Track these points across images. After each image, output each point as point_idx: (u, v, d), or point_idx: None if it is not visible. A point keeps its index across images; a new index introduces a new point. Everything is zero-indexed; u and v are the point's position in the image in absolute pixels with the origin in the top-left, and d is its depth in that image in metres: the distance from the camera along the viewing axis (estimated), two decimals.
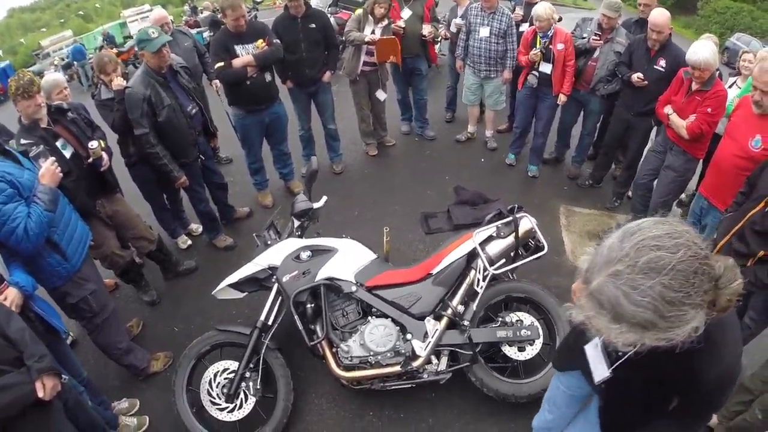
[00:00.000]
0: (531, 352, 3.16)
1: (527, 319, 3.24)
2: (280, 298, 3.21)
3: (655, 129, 4.62)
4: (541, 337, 3.19)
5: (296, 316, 3.04)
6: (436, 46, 7.21)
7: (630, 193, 4.98)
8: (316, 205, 3.49)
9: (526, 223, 3.22)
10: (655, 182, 4.32)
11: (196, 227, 4.95)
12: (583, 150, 5.46)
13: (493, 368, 3.19)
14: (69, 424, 2.42)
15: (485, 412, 3.29)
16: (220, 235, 4.76)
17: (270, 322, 3.20)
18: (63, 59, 20.24)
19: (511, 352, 3.15)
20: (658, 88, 4.08)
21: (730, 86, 4.29)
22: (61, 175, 2.90)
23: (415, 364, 3.01)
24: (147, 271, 4.40)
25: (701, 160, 4.17)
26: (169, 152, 3.92)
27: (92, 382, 3.19)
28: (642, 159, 4.60)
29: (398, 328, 3.08)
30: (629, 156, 4.80)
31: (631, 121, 4.59)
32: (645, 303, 1.11)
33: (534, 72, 4.95)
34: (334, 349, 3.09)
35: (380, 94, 5.58)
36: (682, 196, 5.04)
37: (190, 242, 4.80)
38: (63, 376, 2.37)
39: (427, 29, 5.46)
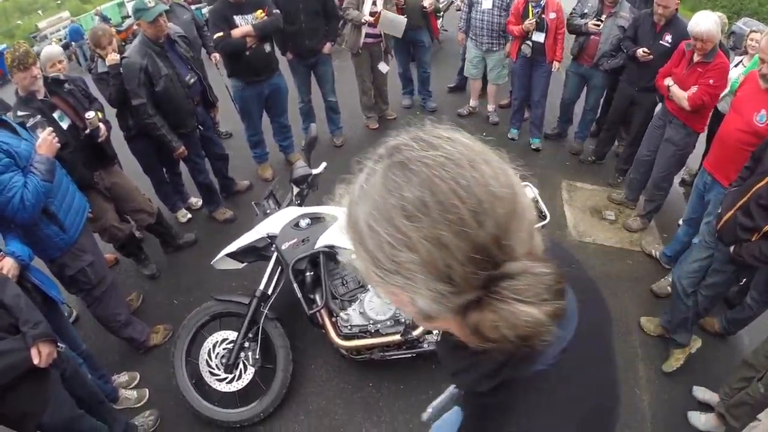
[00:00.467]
0: None
1: None
2: (279, 267, 3.16)
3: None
4: None
5: (295, 285, 3.00)
6: (439, 21, 7.07)
7: (631, 173, 4.90)
8: (315, 171, 3.42)
9: (528, 192, 3.15)
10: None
11: (196, 201, 4.91)
12: (585, 126, 5.38)
13: None
14: (66, 394, 2.40)
15: None
16: (220, 207, 4.72)
17: (269, 292, 3.15)
18: (60, 40, 20.09)
19: None
20: (664, 64, 3.98)
21: (735, 65, 4.17)
22: (58, 145, 2.86)
23: (416, 333, 2.97)
24: (147, 245, 4.40)
25: (703, 135, 4.08)
26: (167, 122, 3.87)
27: (92, 356, 3.16)
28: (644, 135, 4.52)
29: None
30: (632, 132, 4.71)
31: (635, 97, 4.51)
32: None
33: (527, 42, 4.88)
34: (333, 319, 3.05)
35: (383, 67, 5.47)
36: (685, 175, 4.98)
37: (189, 216, 4.77)
38: (59, 345, 2.35)
39: (427, 0, 5.34)
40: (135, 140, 4.13)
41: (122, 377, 3.41)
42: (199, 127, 4.21)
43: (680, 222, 4.10)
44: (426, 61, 5.85)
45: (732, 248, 2.74)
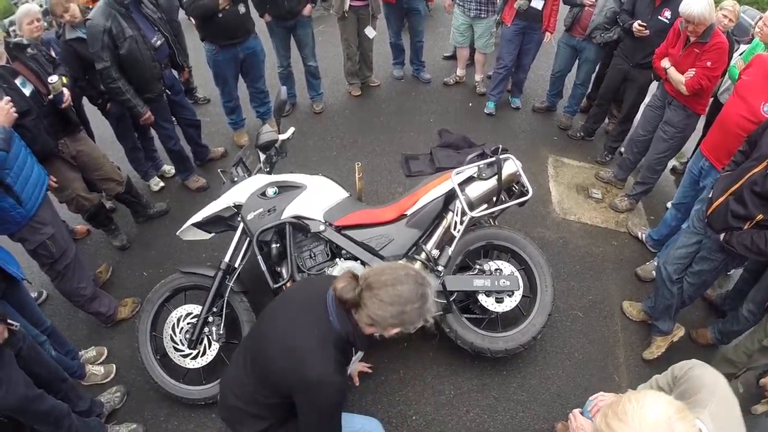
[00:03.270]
0: (509, 304, 3.02)
1: (507, 268, 3.09)
2: (246, 238, 3.04)
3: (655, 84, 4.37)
4: (521, 289, 3.05)
5: (260, 257, 2.88)
6: None
7: (622, 149, 4.76)
8: (282, 137, 3.27)
9: (511, 165, 3.02)
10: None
11: (169, 169, 4.75)
12: (576, 100, 5.22)
13: (469, 319, 3.06)
14: (21, 373, 2.30)
15: (459, 365, 3.22)
16: (192, 175, 4.57)
17: (236, 264, 3.05)
18: (41, 6, 19.42)
19: (488, 302, 3.01)
20: (661, 41, 3.81)
21: (741, 54, 3.93)
22: (15, 114, 2.73)
23: None
24: (118, 215, 4.28)
25: (702, 117, 3.94)
26: (133, 87, 3.71)
27: (57, 332, 3.10)
28: (639, 115, 4.38)
29: None
30: (625, 109, 4.57)
31: (629, 73, 4.35)
32: None
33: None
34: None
35: (369, 31, 5.24)
36: (676, 163, 4.85)
37: (162, 184, 4.62)
38: (13, 323, 2.27)
39: None
40: (110, 108, 3.99)
41: (90, 352, 3.34)
42: (167, 91, 4.03)
43: (668, 205, 3.98)
44: (421, 30, 5.62)
45: (722, 236, 2.65)
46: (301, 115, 5.49)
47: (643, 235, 4.08)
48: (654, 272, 3.66)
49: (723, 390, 1.58)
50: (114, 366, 3.26)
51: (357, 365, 2.86)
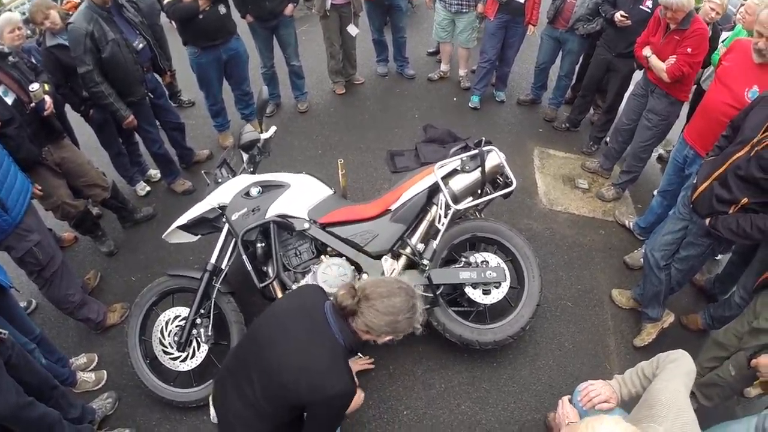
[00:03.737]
0: (497, 295, 3.02)
1: (493, 260, 3.09)
2: (232, 238, 3.03)
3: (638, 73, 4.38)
4: (508, 280, 3.05)
5: (245, 257, 2.87)
6: None
7: (607, 139, 4.77)
8: (263, 136, 3.26)
9: (494, 157, 3.02)
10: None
11: (155, 173, 4.72)
12: (560, 92, 5.22)
13: (457, 312, 3.06)
14: (11, 381, 2.28)
15: (449, 358, 3.22)
16: (178, 179, 4.55)
17: (223, 266, 3.04)
18: (23, 14, 19.27)
19: (475, 295, 3.01)
20: (643, 30, 3.82)
21: (723, 41, 3.95)
22: None
23: None
24: (105, 221, 4.24)
25: (686, 105, 3.96)
26: (115, 90, 3.69)
27: (47, 340, 3.08)
28: (623, 104, 4.40)
29: (353, 267, 2.91)
30: (609, 99, 4.59)
31: (612, 63, 4.36)
32: None
33: None
34: (287, 292, 2.92)
35: (352, 29, 5.23)
36: (662, 151, 4.86)
37: (149, 188, 4.59)
38: (2, 331, 2.26)
39: None
40: (92, 115, 3.96)
41: (80, 359, 3.31)
42: (149, 94, 4.01)
43: (655, 193, 3.99)
44: (402, 26, 5.61)
45: (708, 220, 2.65)
46: (286, 114, 5.47)
47: (631, 224, 4.09)
48: (642, 260, 3.67)
49: (678, 409, 1.62)
50: (105, 372, 3.24)
51: (358, 363, 2.95)
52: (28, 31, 4.12)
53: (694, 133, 3.26)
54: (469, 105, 5.49)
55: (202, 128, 5.28)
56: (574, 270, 3.79)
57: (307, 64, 5.49)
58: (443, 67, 5.90)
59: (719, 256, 3.82)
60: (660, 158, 4.87)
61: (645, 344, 3.29)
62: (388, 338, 1.92)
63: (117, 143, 4.25)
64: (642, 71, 4.00)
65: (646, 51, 3.69)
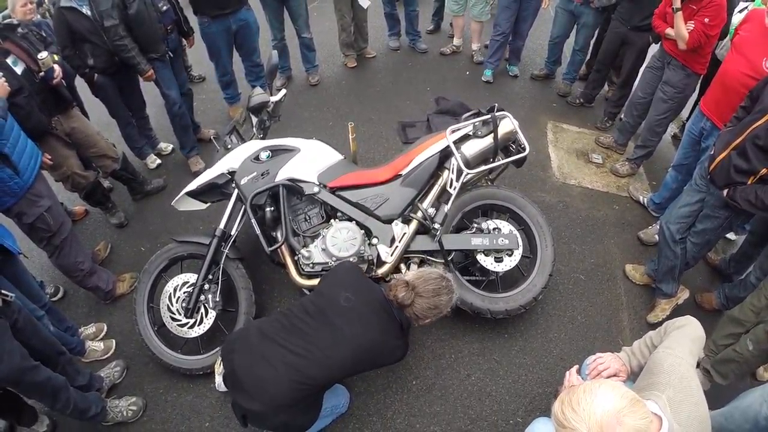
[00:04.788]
0: (509, 263, 2.91)
1: (506, 227, 2.98)
2: (241, 204, 2.96)
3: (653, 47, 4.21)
4: (521, 248, 2.94)
5: (254, 221, 2.78)
6: None
7: (623, 115, 4.61)
8: (273, 99, 3.17)
9: (508, 123, 2.90)
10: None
11: (166, 146, 4.65)
12: (574, 67, 5.05)
13: (468, 281, 2.95)
14: (17, 344, 2.24)
15: (459, 328, 3.13)
16: (195, 152, 4.45)
17: (232, 232, 2.97)
18: None
19: (487, 262, 2.90)
20: (659, 2, 3.66)
21: (740, 11, 3.78)
22: (8, 87, 2.73)
23: (381, 270, 2.78)
24: (115, 195, 4.19)
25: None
26: (138, 46, 3.70)
27: (56, 309, 3.04)
28: (638, 77, 4.22)
29: (363, 231, 2.82)
30: (624, 74, 4.42)
31: (627, 36, 4.20)
32: None
33: None
34: (296, 258, 2.85)
35: (363, 1, 5.08)
36: (676, 130, 4.69)
37: (159, 162, 4.51)
38: (8, 294, 2.25)
39: None
40: (97, 80, 3.86)
41: (89, 329, 3.27)
42: (170, 53, 3.99)
43: (669, 168, 3.85)
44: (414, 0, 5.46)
45: (725, 192, 2.54)
46: (297, 87, 5.37)
47: (645, 199, 3.96)
48: (656, 236, 3.55)
49: (681, 376, 1.59)
50: (114, 342, 3.20)
51: None
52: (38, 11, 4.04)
53: (711, 104, 3.11)
54: (482, 79, 5.34)
55: (212, 102, 5.19)
56: (587, 243, 3.67)
57: (318, 38, 5.36)
58: (456, 41, 5.74)
59: (734, 237, 3.69)
60: (674, 137, 4.70)
61: (659, 320, 3.16)
62: (428, 321, 2.25)
63: (125, 112, 4.18)
64: (658, 43, 3.83)
65: (669, 31, 3.50)
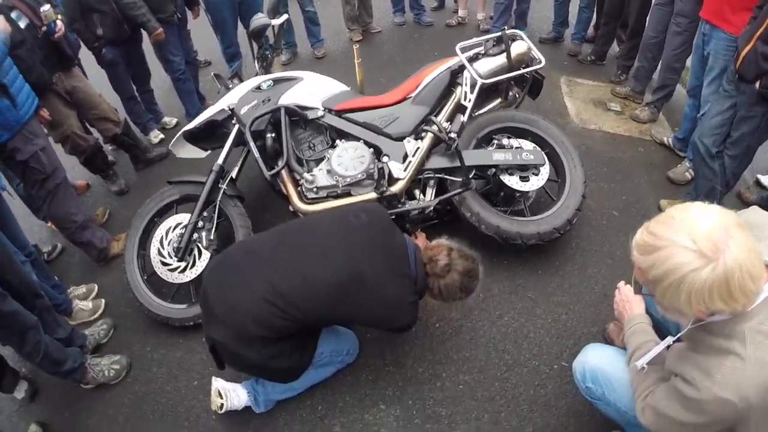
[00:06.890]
0: (536, 183, 2.44)
1: (528, 145, 2.51)
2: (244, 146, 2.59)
3: None
4: (547, 165, 2.48)
5: (252, 145, 2.36)
6: None
7: (636, 61, 4.15)
8: (274, 22, 2.81)
9: (521, 45, 2.51)
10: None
11: (170, 120, 4.31)
12: (582, 26, 4.62)
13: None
14: None
15: (486, 264, 2.51)
16: None
17: (233, 174, 2.61)
18: None
19: (512, 182, 2.43)
20: None
21: None
22: (9, 27, 2.53)
23: (394, 188, 2.30)
24: (118, 167, 3.82)
25: None
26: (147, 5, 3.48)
27: (42, 263, 2.72)
28: (647, 18, 3.79)
29: (372, 150, 2.39)
30: (632, 23, 3.99)
31: None
32: None
33: None
34: (299, 188, 2.41)
35: None
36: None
37: (162, 136, 4.12)
38: None
39: None
40: (105, 54, 3.58)
41: (80, 289, 2.90)
42: (178, 15, 3.75)
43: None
44: None
45: (758, 84, 2.19)
46: (303, 61, 5.01)
47: (669, 140, 3.48)
48: (687, 173, 3.12)
49: None
50: (103, 301, 2.81)
51: None
52: None
53: (710, 6, 2.74)
54: None
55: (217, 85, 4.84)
56: (616, 182, 3.18)
57: (322, 13, 5.04)
58: (461, 12, 5.37)
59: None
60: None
61: None
62: (437, 301, 1.96)
63: (129, 85, 3.87)
64: None
65: None
